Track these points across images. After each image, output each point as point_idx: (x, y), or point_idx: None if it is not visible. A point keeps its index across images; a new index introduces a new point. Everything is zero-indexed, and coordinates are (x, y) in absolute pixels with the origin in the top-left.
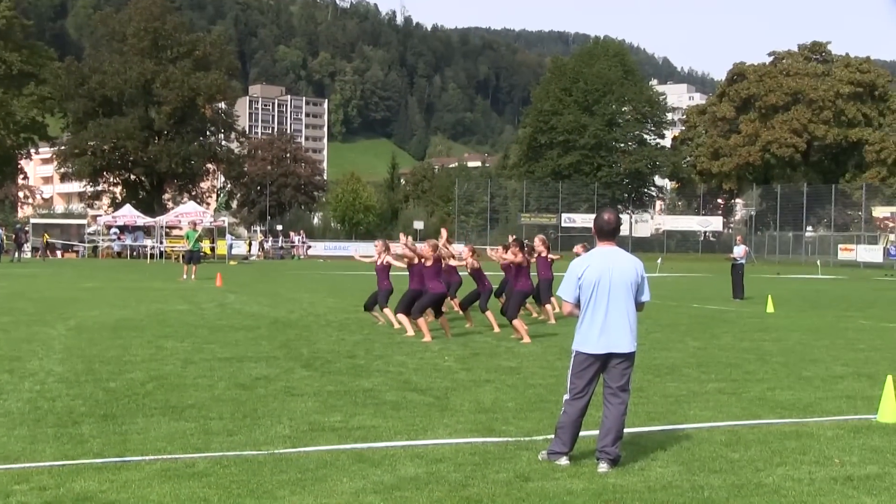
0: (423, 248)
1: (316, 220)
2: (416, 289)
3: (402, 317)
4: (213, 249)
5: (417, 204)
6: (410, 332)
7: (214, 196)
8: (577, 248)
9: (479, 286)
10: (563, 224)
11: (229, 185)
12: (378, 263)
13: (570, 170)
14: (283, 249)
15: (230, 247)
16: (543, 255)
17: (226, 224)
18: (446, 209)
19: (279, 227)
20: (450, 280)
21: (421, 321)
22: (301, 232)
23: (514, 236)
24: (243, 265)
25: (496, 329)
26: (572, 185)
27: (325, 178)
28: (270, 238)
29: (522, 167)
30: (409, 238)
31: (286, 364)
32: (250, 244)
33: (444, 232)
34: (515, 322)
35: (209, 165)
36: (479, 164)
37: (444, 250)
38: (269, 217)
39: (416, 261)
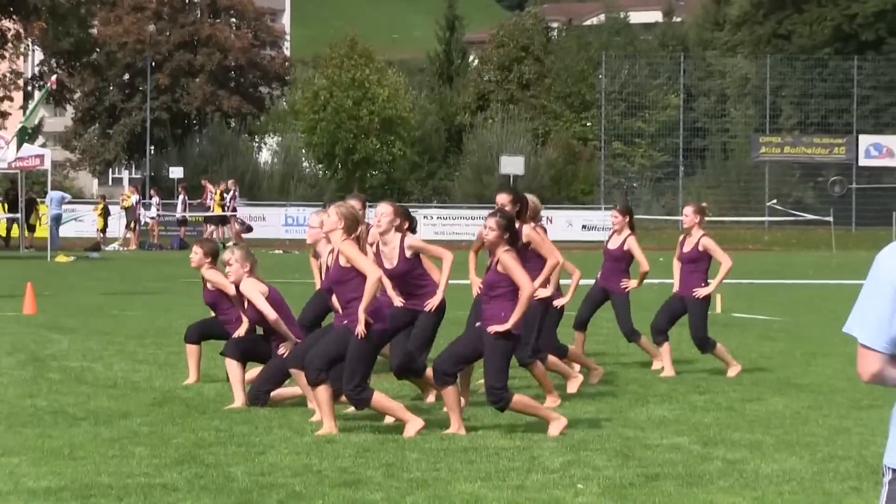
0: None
1: (264, 156)
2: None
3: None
4: (16, 225)
5: (508, 113)
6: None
7: (20, 94)
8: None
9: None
10: (863, 161)
11: (58, 72)
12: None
13: (879, 31)
14: (189, 226)
15: (57, 219)
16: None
17: (47, 166)
18: (577, 128)
19: (176, 175)
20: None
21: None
22: (232, 183)
23: None
24: (91, 263)
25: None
26: (885, 68)
27: (289, 55)
28: (156, 199)
29: (761, 28)
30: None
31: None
32: (105, 214)
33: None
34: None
35: (6, 23)
36: (655, 18)
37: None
38: (150, 151)
39: None
